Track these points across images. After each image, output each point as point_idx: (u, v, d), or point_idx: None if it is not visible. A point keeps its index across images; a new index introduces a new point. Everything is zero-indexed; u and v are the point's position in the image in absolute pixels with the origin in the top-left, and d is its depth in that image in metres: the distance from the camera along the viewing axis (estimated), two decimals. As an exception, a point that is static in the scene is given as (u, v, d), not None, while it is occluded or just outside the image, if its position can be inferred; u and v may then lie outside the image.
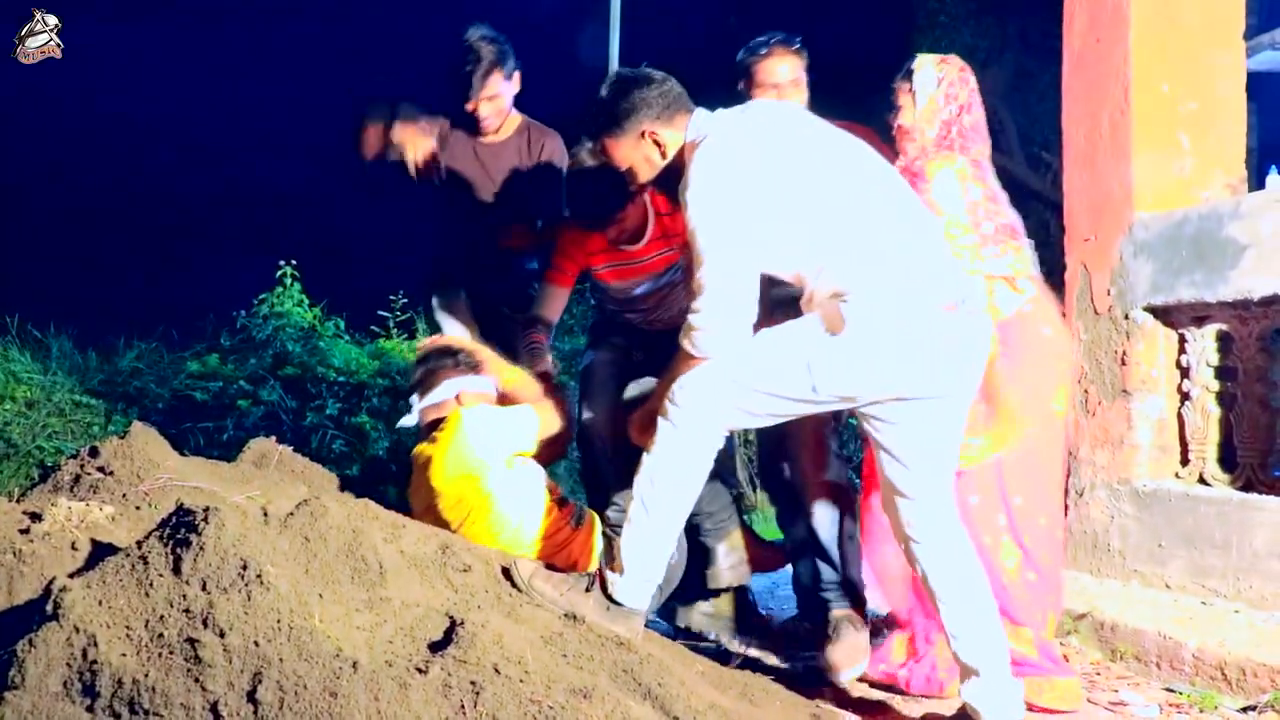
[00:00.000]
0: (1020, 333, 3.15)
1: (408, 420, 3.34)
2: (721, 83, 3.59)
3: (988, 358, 2.80)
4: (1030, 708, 2.91)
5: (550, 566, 2.89)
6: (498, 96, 3.94)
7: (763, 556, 3.67)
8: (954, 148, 3.21)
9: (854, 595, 3.40)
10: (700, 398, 2.64)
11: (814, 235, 2.64)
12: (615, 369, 3.72)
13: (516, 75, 3.99)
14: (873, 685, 3.26)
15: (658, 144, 2.82)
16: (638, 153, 2.85)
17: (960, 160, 3.19)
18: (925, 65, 3.27)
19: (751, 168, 2.65)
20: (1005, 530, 3.13)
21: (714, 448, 2.70)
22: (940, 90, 3.24)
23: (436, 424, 3.22)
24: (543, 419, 3.28)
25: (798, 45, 3.63)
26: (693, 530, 3.50)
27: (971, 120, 3.26)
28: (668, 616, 3.77)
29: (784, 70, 3.59)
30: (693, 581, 3.56)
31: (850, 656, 3.22)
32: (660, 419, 2.68)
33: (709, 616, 3.75)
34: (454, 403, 3.25)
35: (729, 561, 3.57)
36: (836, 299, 2.59)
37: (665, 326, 3.45)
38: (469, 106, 3.93)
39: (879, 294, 2.58)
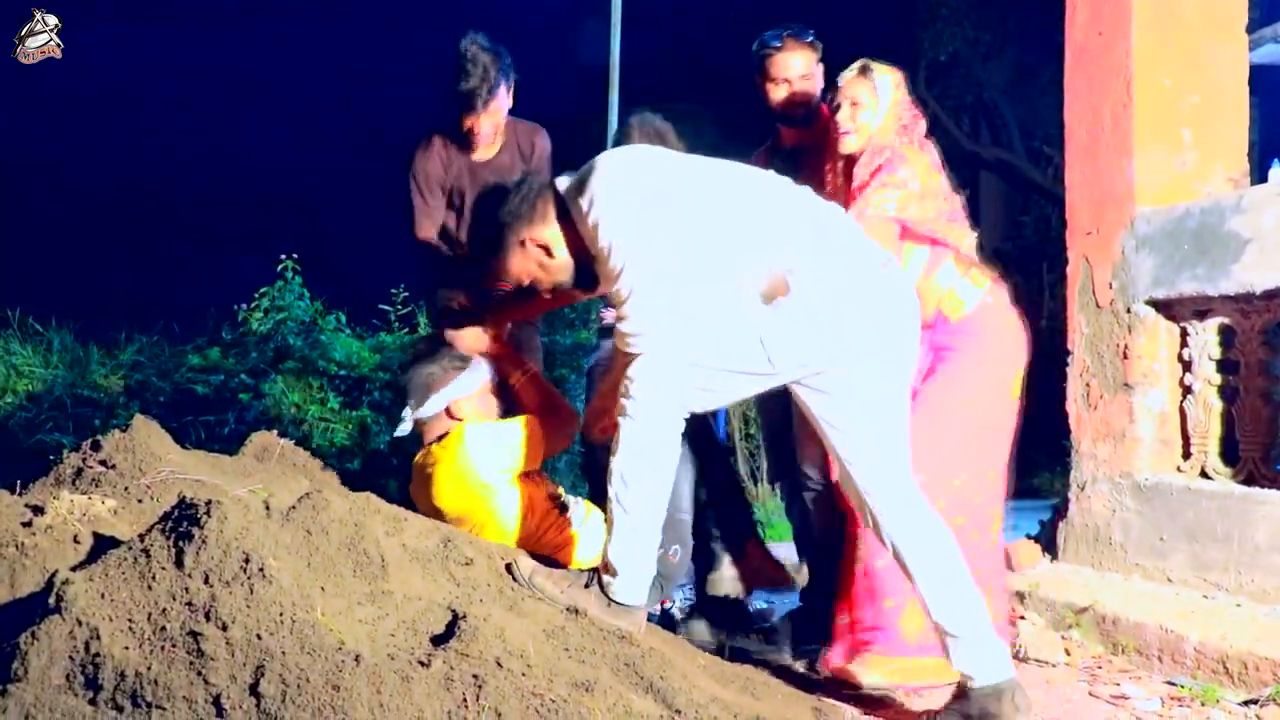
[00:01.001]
0: (987, 324, 3.22)
1: (402, 429, 3.27)
2: (722, 82, 3.58)
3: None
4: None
5: (549, 563, 2.89)
6: (498, 111, 3.73)
7: (770, 574, 3.64)
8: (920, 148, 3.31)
9: None
10: (655, 384, 2.63)
11: (742, 235, 2.67)
12: None
13: (513, 86, 3.78)
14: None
15: (540, 246, 2.81)
16: (529, 263, 2.85)
17: (928, 152, 3.30)
18: (883, 72, 3.30)
19: (653, 178, 2.71)
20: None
21: (677, 432, 2.69)
22: (899, 95, 3.29)
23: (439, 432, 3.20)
24: (545, 429, 3.21)
25: (811, 38, 3.61)
26: (704, 532, 3.49)
27: (921, 128, 3.33)
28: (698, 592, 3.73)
29: (797, 64, 3.59)
30: (694, 577, 3.56)
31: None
32: (619, 417, 2.67)
33: (736, 579, 3.68)
34: (446, 417, 3.21)
35: (733, 572, 3.56)
36: (784, 272, 2.63)
37: None
38: (468, 123, 3.71)
39: (823, 263, 2.64)
